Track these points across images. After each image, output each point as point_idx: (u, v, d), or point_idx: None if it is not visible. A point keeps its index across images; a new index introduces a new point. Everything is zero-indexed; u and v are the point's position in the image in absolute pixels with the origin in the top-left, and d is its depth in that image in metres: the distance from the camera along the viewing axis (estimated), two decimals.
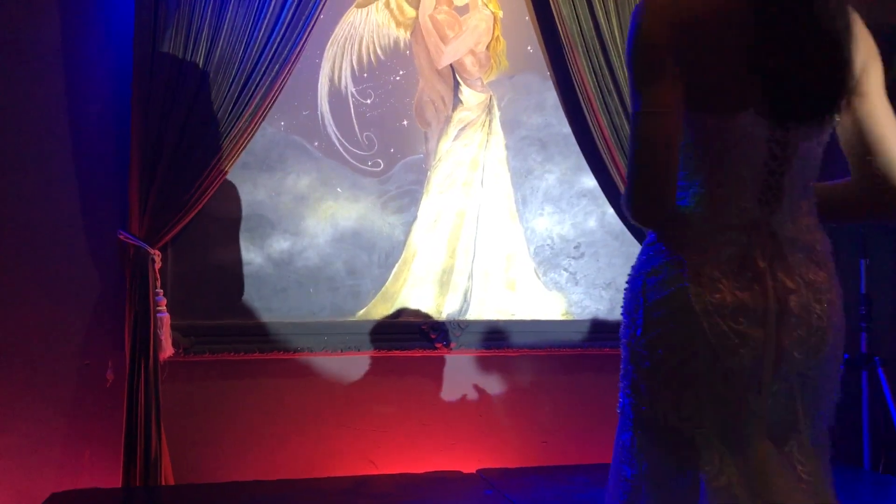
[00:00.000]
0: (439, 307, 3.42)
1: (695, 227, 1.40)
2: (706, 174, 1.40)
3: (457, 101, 3.45)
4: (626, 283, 1.49)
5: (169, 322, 3.02)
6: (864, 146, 1.45)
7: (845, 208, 1.52)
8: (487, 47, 3.46)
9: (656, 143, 1.35)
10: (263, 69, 3.05)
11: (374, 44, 3.37)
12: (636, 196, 1.38)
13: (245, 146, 3.09)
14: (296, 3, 3.06)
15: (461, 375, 3.41)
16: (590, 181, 3.50)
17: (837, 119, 1.44)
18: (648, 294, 1.42)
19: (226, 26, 3.01)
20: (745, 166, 1.39)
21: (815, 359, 1.41)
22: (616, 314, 3.54)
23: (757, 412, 1.37)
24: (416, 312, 3.39)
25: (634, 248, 3.58)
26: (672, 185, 1.37)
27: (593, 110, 3.35)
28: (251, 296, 3.23)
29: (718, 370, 1.36)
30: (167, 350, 3.00)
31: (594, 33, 3.35)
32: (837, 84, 1.38)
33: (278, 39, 3.06)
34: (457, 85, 3.45)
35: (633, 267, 1.50)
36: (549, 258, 3.52)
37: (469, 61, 3.45)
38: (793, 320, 1.38)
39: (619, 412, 1.48)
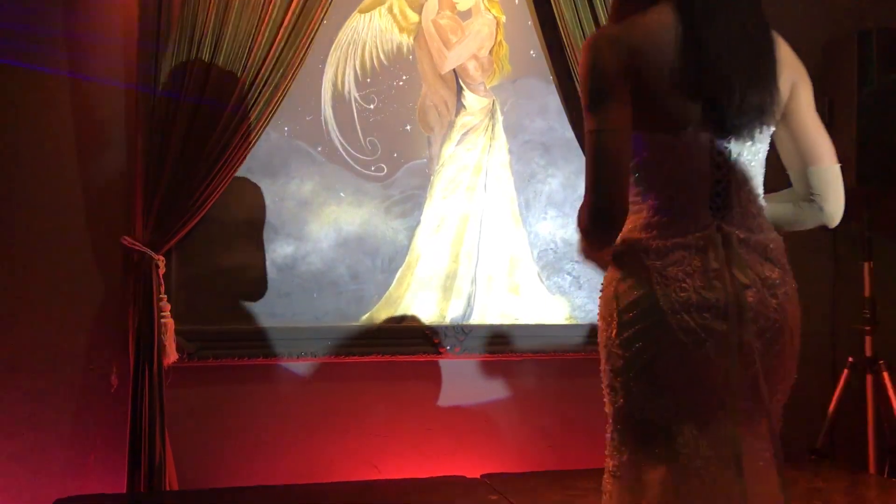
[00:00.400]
0: (443, 312, 3.42)
1: (655, 235, 1.54)
2: (661, 187, 1.56)
3: (460, 106, 3.46)
4: (600, 290, 1.63)
5: (173, 327, 3.02)
6: (799, 156, 1.70)
7: (788, 215, 1.75)
8: (490, 52, 3.47)
9: (609, 159, 1.49)
10: (267, 75, 3.06)
11: (377, 49, 3.37)
12: (595, 208, 1.51)
13: (249, 151, 3.10)
14: (299, 8, 3.07)
15: (465, 380, 3.41)
16: None
17: (770, 131, 1.64)
18: (620, 298, 1.55)
19: (229, 32, 3.02)
20: (694, 177, 1.55)
21: (773, 347, 1.56)
22: None
23: (725, 398, 1.50)
24: (420, 317, 3.39)
25: None
26: (625, 196, 1.51)
27: None
28: (255, 300, 3.24)
29: (688, 362, 1.50)
30: (171, 355, 3.01)
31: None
32: (765, 102, 1.56)
33: (281, 45, 3.07)
34: (460, 89, 3.46)
35: (604, 276, 1.62)
36: (552, 262, 3.52)
37: (472, 66, 3.46)
38: (751, 314, 1.52)
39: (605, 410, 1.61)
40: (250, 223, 3.25)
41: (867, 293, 3.50)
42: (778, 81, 1.60)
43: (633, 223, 1.59)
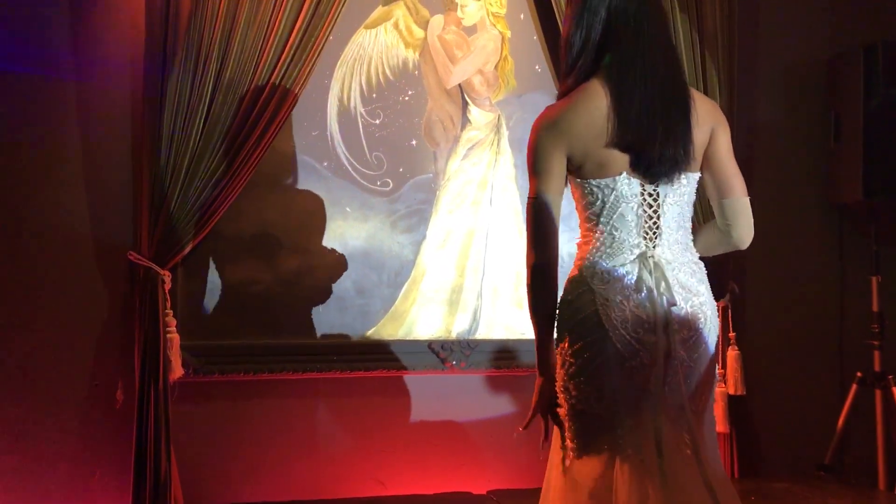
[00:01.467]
0: (449, 326, 3.42)
1: (600, 263, 1.91)
2: (604, 223, 1.92)
3: (465, 121, 3.46)
4: (557, 309, 1.95)
5: (178, 342, 3.02)
6: (716, 190, 2.03)
7: (711, 241, 2.08)
8: (496, 67, 3.48)
9: (545, 220, 1.90)
10: (273, 91, 3.07)
11: (382, 64, 3.38)
12: (537, 263, 1.92)
13: (255, 166, 3.11)
14: (305, 25, 3.08)
15: (471, 395, 3.40)
16: None
17: (693, 176, 1.97)
18: (572, 316, 1.91)
19: (235, 48, 3.03)
20: (630, 214, 1.91)
21: (695, 353, 1.90)
22: None
23: (656, 398, 1.84)
24: (426, 332, 3.38)
25: None
26: (555, 244, 1.93)
27: None
28: (260, 315, 3.23)
29: (626, 368, 1.85)
30: (177, 371, 3.00)
31: None
32: (678, 155, 1.90)
33: (287, 61, 3.08)
34: (465, 104, 3.47)
35: (560, 296, 1.95)
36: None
37: (477, 81, 3.47)
38: (677, 326, 1.87)
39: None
40: (256, 238, 3.25)
41: (875, 308, 3.49)
42: (693, 136, 1.93)
43: (584, 253, 1.96)
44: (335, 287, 3.31)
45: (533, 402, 1.97)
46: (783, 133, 3.74)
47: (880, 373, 3.44)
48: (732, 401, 3.45)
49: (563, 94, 1.98)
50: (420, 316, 3.39)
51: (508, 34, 3.48)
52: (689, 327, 1.88)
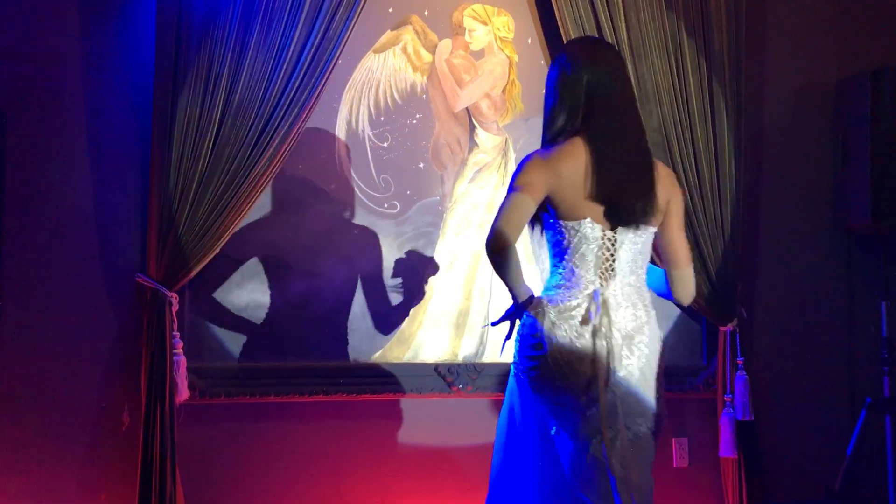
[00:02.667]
0: (455, 349, 3.41)
1: (559, 293, 2.21)
2: (568, 259, 2.22)
3: (472, 144, 3.47)
4: (518, 332, 2.27)
5: (185, 364, 3.02)
6: (665, 257, 2.33)
7: (661, 288, 2.39)
8: (503, 91, 3.49)
9: (511, 213, 2.15)
10: (282, 113, 3.09)
11: (391, 88, 3.40)
12: (492, 236, 2.16)
13: (263, 189, 3.12)
14: (314, 48, 3.11)
15: (478, 419, 3.38)
16: None
17: (650, 228, 2.24)
18: (525, 340, 2.23)
19: (245, 71, 3.06)
20: (590, 254, 2.20)
21: (632, 378, 2.17)
22: None
23: (592, 413, 2.14)
24: (432, 355, 3.38)
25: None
26: (511, 236, 2.14)
27: None
28: (267, 338, 3.23)
29: (561, 388, 2.16)
30: (183, 393, 3.01)
31: None
32: (645, 207, 2.20)
33: (297, 84, 3.10)
34: (472, 128, 3.48)
35: (525, 317, 2.24)
36: None
37: (485, 105, 3.48)
38: (615, 355, 2.15)
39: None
40: (264, 260, 3.26)
41: (885, 332, 3.46)
42: (656, 198, 2.23)
43: (548, 283, 2.27)
44: (342, 309, 3.31)
45: (505, 315, 2.31)
46: (791, 157, 3.74)
47: (890, 398, 3.41)
48: (741, 426, 3.43)
49: (548, 146, 2.27)
50: (426, 339, 3.38)
51: (516, 58, 3.50)
52: (626, 357, 2.17)
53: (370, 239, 3.36)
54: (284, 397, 3.21)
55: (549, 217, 2.25)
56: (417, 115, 3.42)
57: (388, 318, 3.35)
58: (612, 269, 2.20)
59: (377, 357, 3.33)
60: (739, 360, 3.45)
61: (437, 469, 3.32)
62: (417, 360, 3.36)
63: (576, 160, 2.19)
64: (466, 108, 3.47)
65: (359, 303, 3.33)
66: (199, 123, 3.02)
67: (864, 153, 3.42)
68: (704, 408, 3.57)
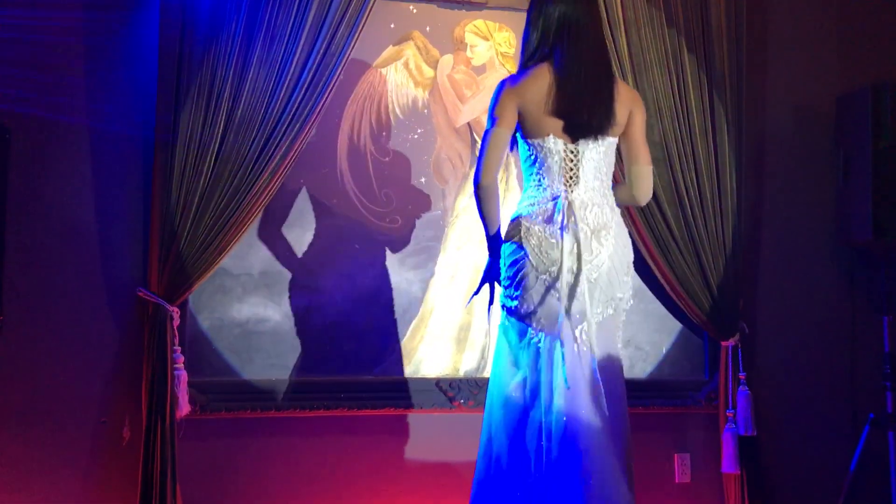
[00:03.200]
0: (456, 364, 3.40)
1: (531, 203, 2.53)
2: (535, 172, 2.56)
3: (474, 159, 3.48)
4: (501, 264, 2.58)
5: (186, 379, 3.02)
6: (627, 157, 2.65)
7: (621, 195, 2.66)
8: None
9: (492, 149, 2.52)
10: (284, 128, 3.10)
11: (392, 103, 3.42)
12: (482, 170, 2.51)
13: (265, 203, 3.13)
14: (316, 64, 3.12)
15: (479, 434, 3.36)
16: None
17: (609, 139, 2.56)
18: (507, 243, 2.54)
19: (247, 87, 3.07)
20: (555, 165, 2.53)
21: (597, 273, 2.48)
22: (635, 372, 3.51)
23: (562, 305, 2.45)
24: (433, 370, 3.37)
25: (653, 304, 3.57)
26: (497, 166, 2.53)
27: None
28: (268, 353, 3.23)
29: (540, 280, 2.48)
30: (184, 408, 3.00)
31: None
32: (602, 121, 2.52)
33: (299, 99, 3.11)
34: (474, 143, 3.49)
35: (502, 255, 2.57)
36: None
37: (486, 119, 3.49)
38: (582, 248, 2.47)
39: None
40: (265, 274, 3.26)
41: (887, 348, 3.45)
42: (615, 110, 2.54)
43: (522, 196, 2.60)
44: (344, 324, 3.31)
45: (482, 278, 2.64)
46: (792, 171, 3.74)
47: (893, 414, 3.39)
48: (743, 441, 3.41)
49: (520, 71, 2.60)
50: (428, 353, 3.38)
51: None
52: (590, 250, 2.47)
53: (371, 253, 3.36)
54: (285, 412, 3.20)
55: (519, 136, 2.59)
56: (419, 130, 3.43)
57: (389, 333, 3.35)
58: (577, 177, 2.52)
59: (378, 372, 3.32)
60: (742, 375, 3.45)
61: (439, 484, 3.30)
62: (419, 375, 3.35)
63: (539, 81, 2.51)
64: (468, 123, 3.48)
65: (360, 317, 3.32)
66: (201, 138, 3.03)
67: (866, 168, 3.42)
68: (707, 423, 3.56)
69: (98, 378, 3.07)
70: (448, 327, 3.41)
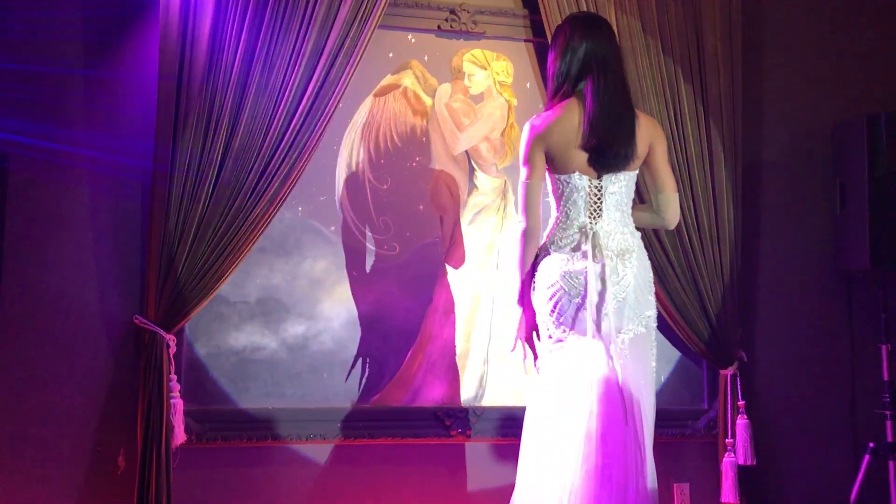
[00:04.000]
0: (454, 393, 3.38)
1: (557, 233, 2.71)
2: (563, 205, 2.72)
3: (472, 186, 3.49)
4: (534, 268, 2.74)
5: (182, 408, 2.99)
6: (654, 185, 2.81)
7: (645, 219, 2.84)
8: (502, 134, 3.52)
9: (533, 195, 2.70)
10: (282, 157, 3.10)
11: (391, 131, 3.43)
12: (527, 217, 2.70)
13: (262, 231, 3.12)
14: (315, 92, 3.13)
15: (478, 463, 3.35)
16: None
17: (632, 173, 2.71)
18: (540, 273, 2.71)
19: (246, 115, 3.08)
20: (581, 200, 2.69)
21: (624, 293, 2.64)
22: None
23: (590, 322, 2.60)
24: (431, 399, 3.35)
25: None
26: (538, 214, 2.71)
27: None
28: (265, 381, 3.21)
29: (573, 304, 2.65)
30: (179, 437, 2.97)
31: None
32: (625, 157, 2.67)
33: (297, 128, 3.12)
34: (472, 170, 3.50)
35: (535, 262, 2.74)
36: None
37: (484, 147, 3.50)
38: (608, 271, 2.63)
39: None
40: (262, 302, 3.25)
41: (886, 376, 3.44)
42: (636, 144, 2.68)
43: (549, 227, 2.75)
44: (341, 352, 3.29)
45: (517, 331, 2.77)
46: (789, 200, 3.76)
47: (893, 443, 3.38)
48: (742, 471, 3.39)
49: (550, 106, 2.74)
50: (425, 382, 3.36)
51: (515, 102, 3.53)
52: (616, 273, 2.63)
53: (369, 280, 3.36)
54: (281, 441, 3.18)
55: (550, 171, 2.73)
56: (417, 158, 3.44)
57: (386, 361, 3.33)
58: (600, 209, 2.68)
59: (376, 400, 3.30)
60: (741, 404, 3.43)
61: None
62: (416, 404, 3.33)
63: (566, 119, 2.67)
64: (466, 151, 3.49)
65: (357, 345, 3.31)
66: (199, 165, 3.03)
67: (862, 197, 3.44)
68: (706, 452, 3.54)
69: (93, 406, 3.05)
70: (446, 356, 3.39)
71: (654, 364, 2.71)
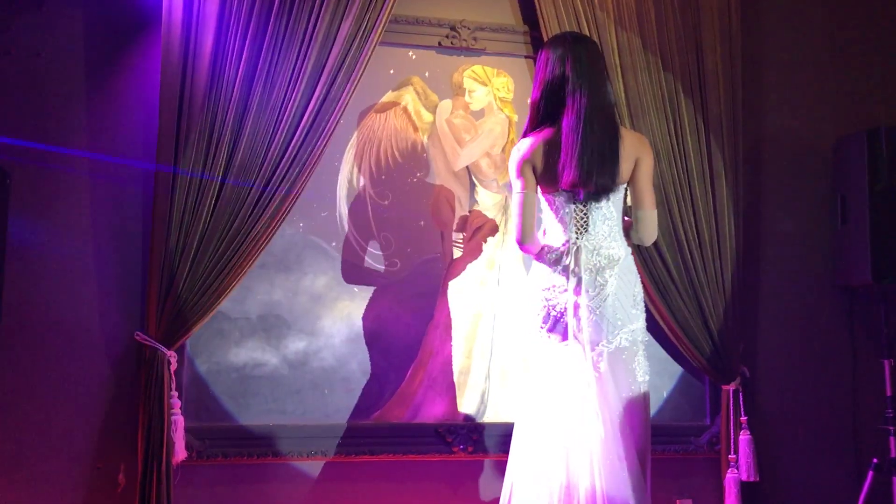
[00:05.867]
0: (455, 409, 3.37)
1: (546, 247, 2.77)
2: (552, 220, 2.78)
3: (473, 202, 3.49)
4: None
5: (182, 424, 2.99)
6: (634, 203, 2.77)
7: (631, 233, 2.80)
8: (503, 150, 3.52)
9: (526, 209, 2.74)
10: (283, 173, 3.11)
11: (392, 147, 3.43)
12: (521, 232, 2.75)
13: (263, 248, 3.12)
14: (316, 109, 3.14)
15: (480, 480, 3.33)
16: None
17: (617, 194, 2.71)
18: (530, 283, 2.81)
19: (247, 131, 3.09)
20: (567, 217, 2.73)
21: (603, 303, 2.67)
22: None
23: (571, 335, 2.66)
24: (432, 415, 3.34)
25: (653, 347, 3.53)
26: (534, 227, 2.75)
27: None
28: (266, 398, 3.20)
29: (552, 317, 2.71)
30: (180, 454, 2.96)
31: None
32: (608, 185, 2.67)
33: (298, 144, 3.13)
34: (473, 186, 3.50)
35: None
36: None
37: (485, 163, 3.51)
38: (584, 287, 2.67)
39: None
40: (263, 318, 3.25)
41: (889, 392, 3.43)
42: (619, 171, 2.68)
43: (542, 241, 2.82)
44: (341, 368, 3.28)
45: None
46: (790, 215, 3.76)
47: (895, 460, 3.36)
48: (745, 487, 3.37)
49: (529, 130, 2.76)
50: (427, 398, 3.35)
51: (515, 118, 3.54)
52: (594, 285, 2.67)
53: (370, 297, 3.35)
54: (282, 458, 3.16)
55: (540, 189, 2.78)
56: (418, 174, 3.45)
57: (387, 378, 3.33)
58: (586, 225, 2.71)
59: (377, 417, 3.29)
60: (743, 420, 3.42)
61: None
62: (417, 420, 3.32)
63: (547, 148, 2.69)
64: (467, 167, 3.50)
65: (358, 361, 3.30)
66: (200, 181, 3.04)
67: (863, 211, 3.44)
68: (709, 468, 3.52)
69: (93, 423, 3.04)
70: (447, 372, 3.38)
71: (646, 378, 2.71)
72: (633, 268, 2.76)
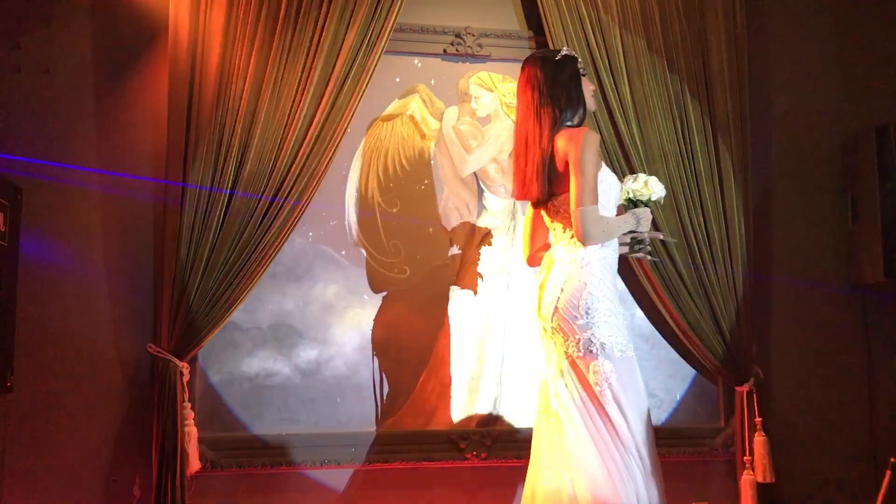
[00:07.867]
0: (468, 416, 3.37)
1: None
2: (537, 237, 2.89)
3: (481, 208, 3.50)
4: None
5: (196, 436, 2.99)
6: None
7: None
8: (510, 155, 3.52)
9: (524, 225, 2.92)
10: (292, 183, 3.12)
11: (399, 155, 3.44)
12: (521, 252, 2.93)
13: (273, 257, 3.14)
14: (323, 119, 3.16)
15: (493, 487, 3.32)
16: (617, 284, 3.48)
17: (559, 197, 2.65)
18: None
19: (256, 142, 3.11)
20: (540, 230, 2.81)
21: (551, 318, 2.64)
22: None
23: (545, 347, 2.71)
24: (445, 422, 3.34)
25: (665, 350, 3.54)
26: (531, 243, 2.86)
27: None
28: (278, 407, 3.21)
29: (538, 325, 2.73)
30: (194, 465, 2.97)
31: (614, 139, 3.41)
32: (538, 197, 2.68)
33: (306, 154, 3.14)
34: (481, 192, 3.50)
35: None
36: None
37: (492, 169, 3.51)
38: (539, 299, 2.69)
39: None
40: (274, 328, 3.26)
41: None
42: (546, 182, 2.65)
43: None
44: (353, 376, 3.29)
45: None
46: (801, 214, 3.74)
47: None
48: (761, 488, 3.35)
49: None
50: (439, 405, 3.35)
51: None
52: (547, 294, 2.65)
53: (380, 304, 3.36)
54: (296, 467, 3.17)
55: None
56: (426, 181, 3.45)
57: (399, 384, 3.33)
58: (556, 237, 2.72)
59: (390, 424, 3.29)
60: (758, 421, 3.40)
61: None
62: (430, 427, 3.32)
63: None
64: (474, 173, 3.50)
65: (370, 369, 3.31)
66: (210, 194, 3.06)
67: (874, 209, 3.42)
68: (724, 470, 3.50)
69: (108, 436, 3.06)
70: (460, 378, 3.38)
71: (641, 385, 2.65)
72: (578, 277, 2.64)
